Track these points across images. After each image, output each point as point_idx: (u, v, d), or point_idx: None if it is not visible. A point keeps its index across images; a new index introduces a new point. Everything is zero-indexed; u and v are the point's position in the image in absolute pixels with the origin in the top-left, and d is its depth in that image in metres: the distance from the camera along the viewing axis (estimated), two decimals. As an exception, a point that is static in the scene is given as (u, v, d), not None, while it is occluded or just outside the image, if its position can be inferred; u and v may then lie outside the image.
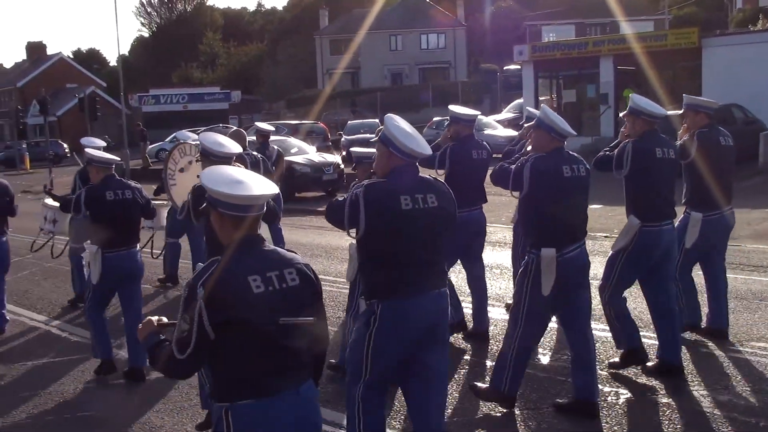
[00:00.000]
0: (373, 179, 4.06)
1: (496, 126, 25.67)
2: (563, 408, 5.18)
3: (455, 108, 6.80)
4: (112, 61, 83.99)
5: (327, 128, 27.76)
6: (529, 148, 5.38)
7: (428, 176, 4.09)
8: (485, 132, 23.64)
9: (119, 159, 6.70)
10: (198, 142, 7.66)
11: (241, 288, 2.77)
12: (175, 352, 2.80)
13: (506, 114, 30.72)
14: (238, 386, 2.81)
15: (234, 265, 2.83)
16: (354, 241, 4.14)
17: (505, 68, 47.78)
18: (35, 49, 65.67)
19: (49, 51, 66.55)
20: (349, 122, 29.15)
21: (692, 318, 6.52)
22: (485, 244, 7.16)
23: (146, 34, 79.53)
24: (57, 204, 7.48)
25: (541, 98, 25.75)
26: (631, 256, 5.61)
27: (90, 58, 77.17)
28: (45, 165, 42.81)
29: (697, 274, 6.65)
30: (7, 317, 8.31)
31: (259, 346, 2.79)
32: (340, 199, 4.03)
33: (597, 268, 6.45)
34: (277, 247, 3.01)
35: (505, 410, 5.24)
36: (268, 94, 58.44)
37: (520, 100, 30.38)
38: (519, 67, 51.47)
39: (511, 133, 25.17)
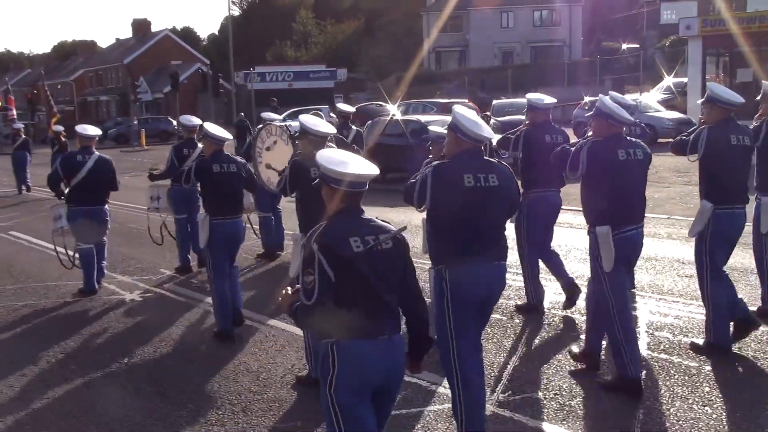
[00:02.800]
0: (443, 160, 4.58)
1: (660, 108, 23.37)
2: (607, 386, 5.40)
3: (531, 96, 7.23)
4: (205, 40, 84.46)
5: (478, 108, 26.06)
6: (590, 134, 5.67)
7: (492, 159, 4.54)
8: (649, 114, 21.50)
9: (231, 137, 7.31)
10: (282, 124, 8.67)
11: (343, 246, 3.33)
12: (304, 300, 3.39)
13: (656, 94, 28.22)
14: (342, 327, 3.34)
15: (337, 227, 3.41)
16: (425, 215, 4.75)
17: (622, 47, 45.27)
18: (141, 26, 66.25)
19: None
20: (495, 102, 27.24)
21: None
22: (558, 223, 7.60)
23: (236, 13, 79.42)
24: (159, 183, 9.04)
25: (707, 77, 23.53)
26: (713, 240, 5.85)
27: (185, 37, 77.46)
28: (157, 141, 42.95)
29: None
30: (105, 271, 9.20)
31: (359, 296, 3.36)
32: (413, 180, 4.53)
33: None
34: (373, 217, 3.53)
35: (634, 397, 5.22)
36: (369, 73, 57.10)
37: (671, 79, 28.09)
38: (637, 45, 49.01)
39: (676, 114, 23.01)
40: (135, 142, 40.13)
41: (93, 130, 8.73)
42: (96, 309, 8.27)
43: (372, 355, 3.38)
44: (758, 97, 6.58)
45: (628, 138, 5.37)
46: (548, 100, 7.22)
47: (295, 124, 12.47)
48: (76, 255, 8.84)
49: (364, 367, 3.38)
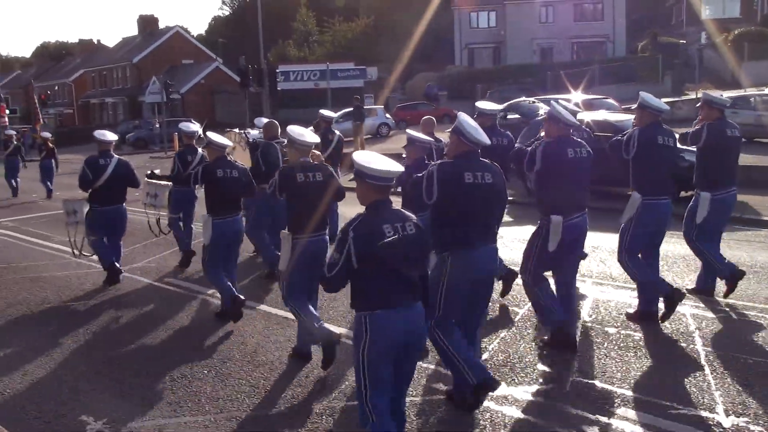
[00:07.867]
0: (445, 160, 5.28)
1: None
2: (546, 343, 6.52)
3: (479, 104, 8.41)
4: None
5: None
6: (542, 134, 6.46)
7: (485, 160, 5.24)
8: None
9: (231, 144, 8.33)
10: (241, 131, 11.16)
11: (379, 232, 4.07)
12: (325, 271, 4.19)
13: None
14: (373, 300, 4.15)
15: (372, 217, 4.17)
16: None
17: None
18: (148, 23, 62.40)
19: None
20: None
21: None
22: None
23: (226, 13, 75.69)
24: (159, 182, 9.57)
25: None
26: (637, 224, 6.86)
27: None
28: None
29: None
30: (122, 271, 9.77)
31: (389, 272, 4.11)
32: (419, 176, 5.26)
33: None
34: (398, 208, 4.31)
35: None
36: (388, 71, 53.91)
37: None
38: (683, 42, 46.35)
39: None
40: (157, 146, 36.53)
41: (111, 136, 9.63)
42: (103, 302, 9.01)
43: (396, 321, 4.16)
44: (698, 104, 7.68)
45: (575, 138, 6.27)
46: (494, 106, 8.35)
47: (254, 132, 13.69)
48: (84, 243, 9.80)
49: (390, 331, 4.17)
